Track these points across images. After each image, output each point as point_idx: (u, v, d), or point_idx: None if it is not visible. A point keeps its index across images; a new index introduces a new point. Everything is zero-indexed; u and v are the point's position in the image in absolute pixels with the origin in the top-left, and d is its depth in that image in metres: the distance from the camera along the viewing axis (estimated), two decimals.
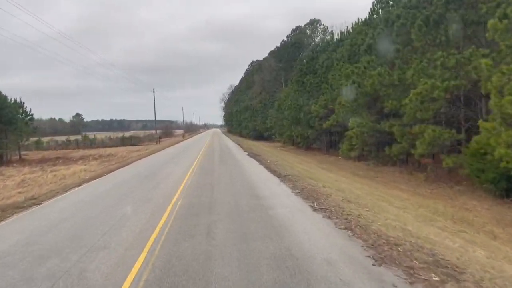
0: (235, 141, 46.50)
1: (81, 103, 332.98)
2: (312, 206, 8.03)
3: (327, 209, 7.72)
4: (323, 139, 31.05)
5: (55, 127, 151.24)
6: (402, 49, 16.28)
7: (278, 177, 12.74)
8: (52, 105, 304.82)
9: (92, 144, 52.55)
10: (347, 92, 20.56)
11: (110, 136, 57.69)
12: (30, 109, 33.89)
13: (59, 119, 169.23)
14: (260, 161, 18.58)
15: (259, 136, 59.27)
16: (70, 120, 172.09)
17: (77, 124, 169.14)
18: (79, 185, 12.47)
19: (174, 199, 8.98)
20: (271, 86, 61.59)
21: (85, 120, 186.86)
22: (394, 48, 16.42)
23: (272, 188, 10.43)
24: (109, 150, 41.76)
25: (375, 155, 21.22)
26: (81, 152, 39.89)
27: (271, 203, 8.34)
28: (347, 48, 24.79)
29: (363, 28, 21.90)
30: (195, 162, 18.32)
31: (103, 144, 53.03)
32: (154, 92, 60.77)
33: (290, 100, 38.00)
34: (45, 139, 53.51)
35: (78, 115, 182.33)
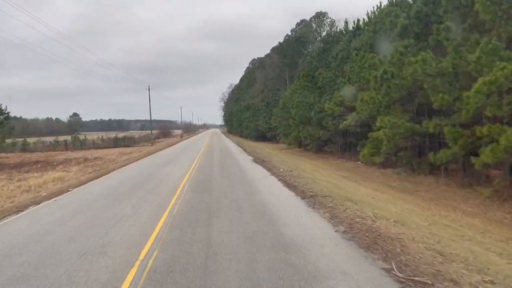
0: (236, 142, 42.90)
1: (81, 103, 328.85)
2: (391, 274, 4.39)
3: (426, 283, 4.09)
4: (337, 141, 27.41)
5: (52, 127, 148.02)
6: (454, 28, 12.66)
7: (302, 197, 9.12)
8: (51, 105, 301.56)
9: (82, 145, 48.85)
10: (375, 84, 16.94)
11: (102, 136, 53.97)
12: (6, 107, 30.29)
13: (56, 118, 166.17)
14: (271, 170, 14.96)
15: (262, 137, 55.61)
16: (68, 120, 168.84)
17: (75, 124, 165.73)
18: (21, 210, 8.82)
19: (145, 251, 5.34)
20: (274, 83, 57.93)
21: (83, 120, 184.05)
22: (444, 27, 12.79)
23: (302, 222, 6.80)
24: (98, 152, 38.14)
25: (407, 161, 17.58)
26: (66, 155, 36.19)
27: (313, 264, 4.71)
28: (369, 35, 21.17)
29: (391, 9, 18.32)
30: (189, 171, 14.69)
31: (95, 146, 49.34)
32: (149, 89, 57.07)
33: (297, 97, 34.36)
34: (32, 140, 49.82)
35: (75, 114, 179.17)
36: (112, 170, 16.92)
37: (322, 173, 17.71)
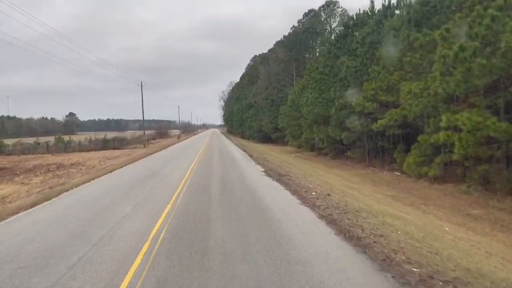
0: (239, 145, 37.95)
1: (79, 103, 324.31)
2: None
3: None
4: (363, 145, 22.51)
5: (47, 126, 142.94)
6: None
7: (398, 281, 4.26)
8: (49, 105, 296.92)
9: (66, 147, 43.88)
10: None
11: (90, 137, 49.03)
12: None
13: (51, 118, 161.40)
14: (297, 192, 10.07)
15: (265, 138, 50.73)
16: (64, 120, 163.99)
17: (71, 124, 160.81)
18: None
19: None
20: (279, 79, 53.02)
21: (82, 119, 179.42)
22: None
23: None
24: (81, 156, 33.17)
25: (481, 176, 12.70)
26: (41, 159, 31.26)
27: None
28: (415, 9, 16.29)
29: None
30: (174, 197, 9.85)
31: (81, 148, 44.38)
32: (141, 86, 52.11)
33: (310, 93, 29.50)
34: (10, 141, 44.88)
35: (71, 114, 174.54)
36: (67, 190, 11.98)
37: (361, 191, 12.84)
